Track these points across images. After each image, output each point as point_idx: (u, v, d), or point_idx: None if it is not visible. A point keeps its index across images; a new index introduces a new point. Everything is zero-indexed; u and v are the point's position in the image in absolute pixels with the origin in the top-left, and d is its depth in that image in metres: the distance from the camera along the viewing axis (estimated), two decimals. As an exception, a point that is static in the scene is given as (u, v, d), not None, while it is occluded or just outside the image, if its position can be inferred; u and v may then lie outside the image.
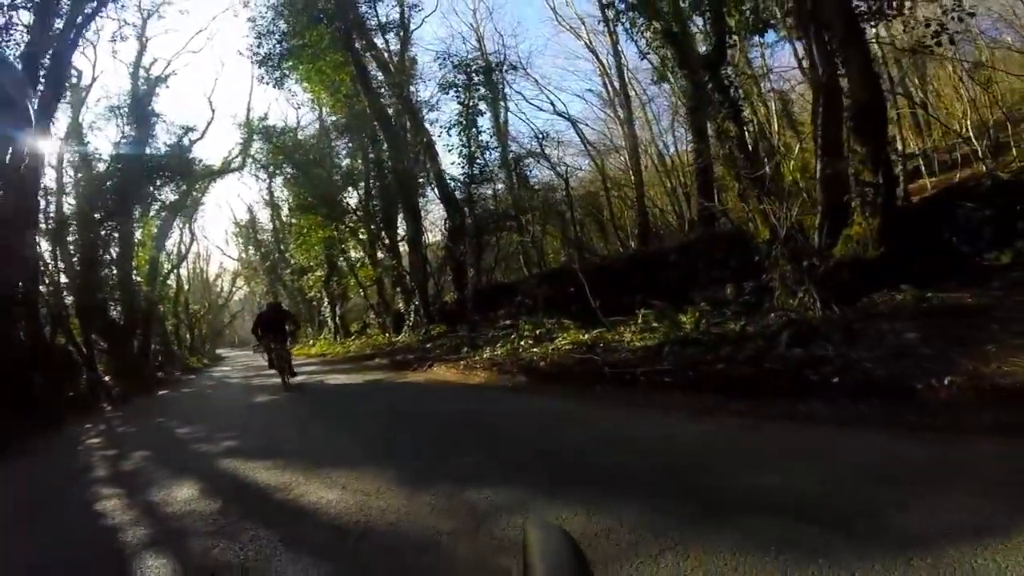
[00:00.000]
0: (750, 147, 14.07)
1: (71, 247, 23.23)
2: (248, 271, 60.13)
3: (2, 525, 5.36)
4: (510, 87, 31.07)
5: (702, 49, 14.73)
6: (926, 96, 23.16)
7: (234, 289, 68.27)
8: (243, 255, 59.89)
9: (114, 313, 25.31)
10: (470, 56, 27.63)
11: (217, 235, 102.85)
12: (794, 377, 6.12)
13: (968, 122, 20.71)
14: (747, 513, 3.19)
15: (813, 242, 10.18)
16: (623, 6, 17.30)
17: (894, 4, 11.53)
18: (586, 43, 34.24)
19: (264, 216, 52.44)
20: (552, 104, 47.84)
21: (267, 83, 29.32)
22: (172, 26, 29.97)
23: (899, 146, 19.37)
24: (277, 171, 36.26)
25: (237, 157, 36.41)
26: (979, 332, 6.25)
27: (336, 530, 3.89)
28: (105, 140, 69.62)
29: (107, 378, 20.64)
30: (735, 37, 14.81)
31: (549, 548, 1.07)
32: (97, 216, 23.81)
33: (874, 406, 5.08)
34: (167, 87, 28.88)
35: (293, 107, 55.78)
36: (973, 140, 18.87)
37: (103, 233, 24.54)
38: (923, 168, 21.07)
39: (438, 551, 3.32)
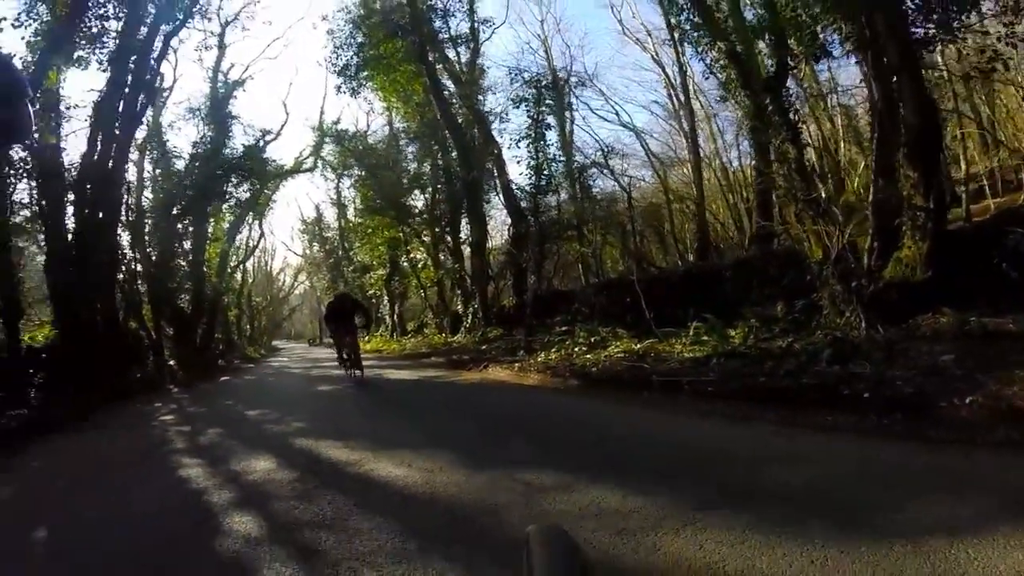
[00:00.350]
0: (813, 165, 14.33)
1: (147, 238, 24.14)
2: (312, 267, 61.54)
3: (99, 486, 5.98)
4: (577, 98, 31.43)
5: (770, 66, 15.01)
6: (993, 114, 22.78)
7: (296, 284, 70.23)
8: (307, 251, 61.64)
9: (182, 302, 26.25)
10: (539, 72, 28.38)
11: (282, 231, 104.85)
12: (829, 392, 6.45)
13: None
14: (763, 502, 3.65)
15: (864, 263, 10.41)
16: (688, 26, 17.71)
17: (952, 28, 11.68)
18: (652, 55, 34.25)
19: (330, 214, 54.11)
20: (617, 115, 47.83)
21: (344, 92, 30.66)
22: (251, 33, 31.94)
23: (962, 166, 19.30)
24: (346, 172, 38.04)
25: (309, 158, 37.82)
26: (1011, 356, 6.51)
27: (404, 497, 4.46)
28: (183, 139, 71.77)
29: (172, 362, 21.79)
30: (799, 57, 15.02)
31: (552, 551, 1.10)
32: (174, 211, 24.79)
33: (897, 420, 5.41)
34: (244, 91, 29.89)
35: (364, 112, 57.12)
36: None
37: (179, 227, 25.62)
38: (987, 188, 20.82)
39: (495, 516, 3.85)
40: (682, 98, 31.18)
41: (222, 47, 29.31)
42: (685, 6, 17.97)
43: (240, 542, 3.85)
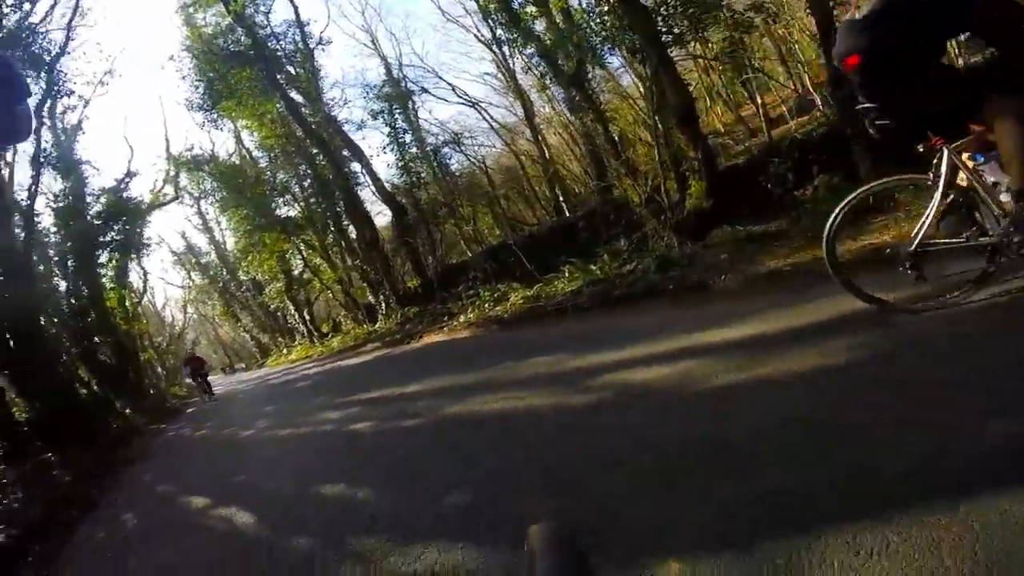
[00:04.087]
0: (622, 132, 18.58)
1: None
2: (200, 294, 61.85)
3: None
4: (416, 86, 33.66)
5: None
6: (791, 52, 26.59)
7: (187, 318, 69.52)
8: (188, 282, 61.32)
9: (104, 355, 27.37)
10: (384, 82, 31.48)
11: (153, 267, 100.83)
12: (652, 291, 10.63)
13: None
14: (596, 342, 7.66)
15: (672, 201, 14.47)
16: (502, 30, 21.68)
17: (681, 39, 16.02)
18: (476, 35, 34.28)
19: (200, 240, 55.31)
20: (453, 90, 50.14)
21: (207, 127, 32.94)
22: (79, 70, 32.05)
23: (759, 99, 23.74)
24: (214, 197, 39.54)
25: (166, 187, 37.95)
26: (763, 249, 10.53)
27: (432, 391, 8.34)
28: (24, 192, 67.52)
29: (127, 411, 22.97)
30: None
31: (552, 551, 1.11)
32: (62, 270, 26.58)
33: (688, 298, 9.50)
34: (83, 132, 27.06)
35: (217, 132, 56.55)
36: (812, 91, 23.23)
37: (79, 284, 27.10)
38: (787, 114, 24.69)
39: (481, 387, 7.65)
40: (509, 76, 32.65)
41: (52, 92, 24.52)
42: (499, 18, 21.84)
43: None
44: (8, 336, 15.97)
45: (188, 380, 31.94)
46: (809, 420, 3.32)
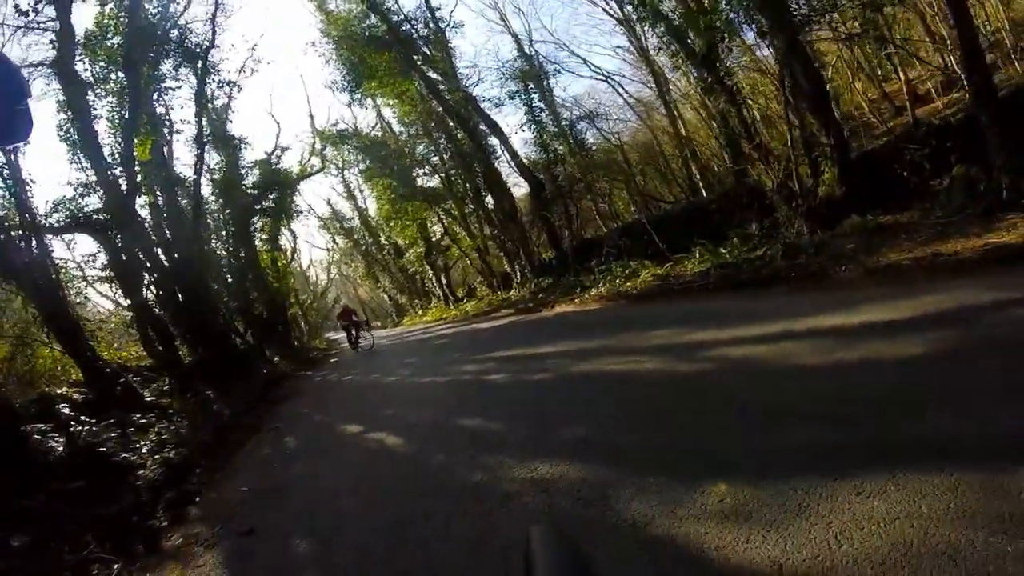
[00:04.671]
0: (756, 115, 18.51)
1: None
2: (344, 256, 65.77)
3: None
4: (549, 62, 34.50)
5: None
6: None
7: (330, 278, 73.70)
8: (331, 246, 65.39)
9: (257, 310, 29.27)
10: (517, 59, 32.28)
11: (300, 230, 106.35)
12: (776, 277, 11.02)
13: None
14: (714, 318, 8.23)
15: (805, 187, 14.39)
16: (630, 7, 21.93)
17: (812, 19, 15.70)
18: (604, 9, 33.59)
19: (344, 206, 58.23)
20: (585, 62, 50.38)
21: (351, 105, 36.88)
22: (227, 56, 35.99)
23: (902, 76, 22.90)
24: (358, 168, 41.93)
25: (312, 159, 39.59)
26: (889, 241, 10.62)
27: (561, 353, 9.17)
28: (187, 168, 73.38)
29: (275, 359, 25.41)
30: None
31: (552, 551, 1.11)
32: (221, 236, 29.21)
33: (805, 285, 9.90)
34: (235, 112, 28.83)
35: (358, 108, 59.17)
36: (957, 69, 22.19)
37: (236, 248, 29.46)
38: (934, 91, 23.84)
39: (602, 351, 8.49)
40: (641, 51, 32.40)
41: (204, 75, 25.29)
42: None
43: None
44: (178, 290, 18.57)
45: (330, 335, 33.79)
46: (865, 396, 4.11)
